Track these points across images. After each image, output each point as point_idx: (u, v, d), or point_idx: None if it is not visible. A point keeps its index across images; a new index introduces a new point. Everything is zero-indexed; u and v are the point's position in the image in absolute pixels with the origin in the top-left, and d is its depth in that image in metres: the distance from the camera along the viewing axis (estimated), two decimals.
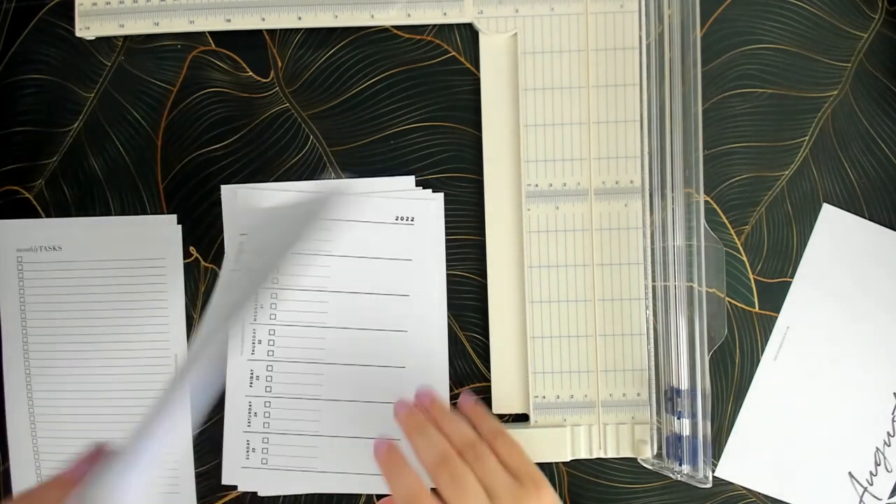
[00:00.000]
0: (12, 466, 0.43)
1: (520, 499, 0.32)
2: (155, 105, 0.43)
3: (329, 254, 0.42)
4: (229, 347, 0.42)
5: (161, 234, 0.43)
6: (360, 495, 0.43)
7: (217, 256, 0.43)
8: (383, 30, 0.43)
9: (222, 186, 0.43)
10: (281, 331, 0.42)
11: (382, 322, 0.42)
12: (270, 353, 0.42)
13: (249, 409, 0.42)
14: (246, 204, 0.42)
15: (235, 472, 0.42)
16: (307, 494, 0.43)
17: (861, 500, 0.42)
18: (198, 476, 0.43)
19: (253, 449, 0.42)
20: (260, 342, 0.42)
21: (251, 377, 0.42)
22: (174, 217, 0.43)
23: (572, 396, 0.42)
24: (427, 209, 0.42)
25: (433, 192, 0.42)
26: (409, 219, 0.42)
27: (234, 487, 0.43)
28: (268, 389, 0.42)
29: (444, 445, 0.33)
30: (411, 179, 0.43)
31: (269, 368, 0.42)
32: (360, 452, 0.42)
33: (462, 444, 0.34)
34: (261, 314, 0.42)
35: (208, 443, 0.43)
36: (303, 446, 0.42)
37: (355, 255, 0.42)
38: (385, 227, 0.42)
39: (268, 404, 0.42)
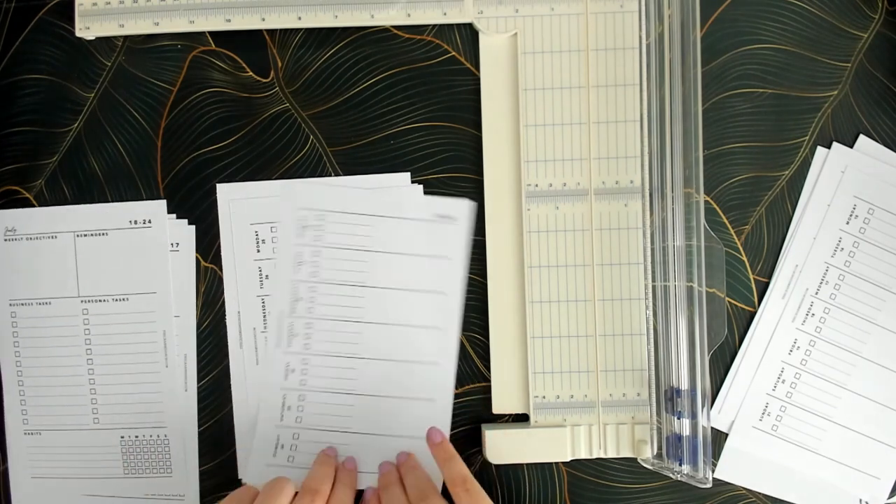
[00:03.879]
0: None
1: None
2: (155, 105, 0.43)
3: (368, 249, 0.42)
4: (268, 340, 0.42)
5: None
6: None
7: (217, 257, 0.43)
8: (383, 30, 0.43)
9: (218, 185, 0.43)
10: (319, 325, 0.42)
11: (419, 319, 0.42)
12: (307, 346, 0.42)
13: (283, 403, 0.42)
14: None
15: (259, 470, 0.42)
16: None
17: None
18: (201, 474, 0.43)
19: (282, 445, 0.42)
20: (297, 335, 0.42)
21: (287, 369, 0.42)
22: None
23: (572, 396, 0.42)
24: (462, 210, 0.42)
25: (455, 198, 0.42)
26: (451, 217, 0.42)
27: (236, 485, 0.42)
28: (302, 383, 0.42)
29: (401, 501, 0.37)
30: (406, 176, 0.42)
31: (305, 362, 0.42)
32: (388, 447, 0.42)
33: (416, 499, 0.37)
34: (299, 307, 0.42)
35: (211, 440, 0.43)
36: (334, 443, 0.42)
37: (394, 252, 0.42)
38: (424, 223, 0.42)
39: (302, 398, 0.42)
